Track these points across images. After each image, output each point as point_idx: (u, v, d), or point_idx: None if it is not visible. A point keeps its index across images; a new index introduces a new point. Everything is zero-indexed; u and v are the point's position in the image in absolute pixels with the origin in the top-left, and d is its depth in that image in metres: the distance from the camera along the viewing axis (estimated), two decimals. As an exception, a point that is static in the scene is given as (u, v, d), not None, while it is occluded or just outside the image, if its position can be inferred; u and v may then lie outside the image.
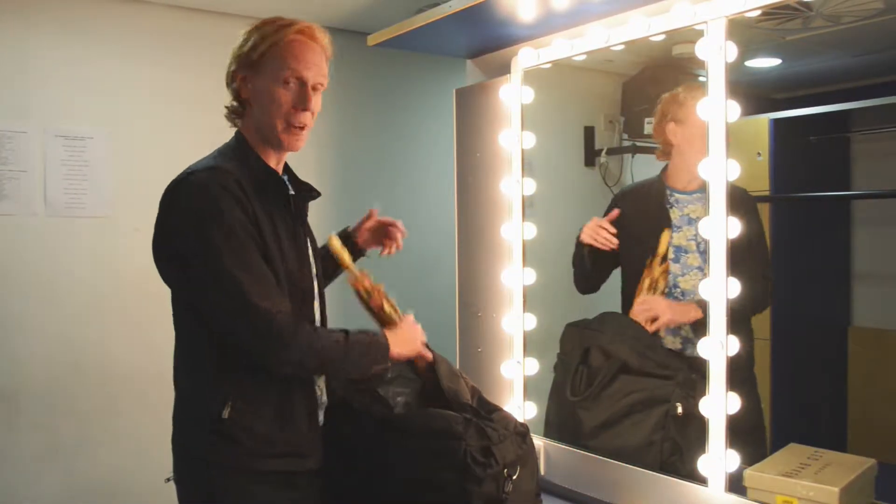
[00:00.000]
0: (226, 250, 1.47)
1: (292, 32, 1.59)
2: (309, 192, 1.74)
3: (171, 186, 1.58)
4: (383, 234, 1.98)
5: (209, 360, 1.57)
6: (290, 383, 1.60)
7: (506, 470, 1.62)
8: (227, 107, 1.68)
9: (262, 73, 1.60)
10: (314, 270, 1.71)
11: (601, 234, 2.18)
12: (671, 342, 2.11)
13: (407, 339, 1.73)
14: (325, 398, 1.73)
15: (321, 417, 1.70)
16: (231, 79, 1.64)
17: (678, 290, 2.10)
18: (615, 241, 2.16)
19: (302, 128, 1.62)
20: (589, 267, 2.24)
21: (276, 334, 1.49)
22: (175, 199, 1.56)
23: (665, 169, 2.17)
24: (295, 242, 1.63)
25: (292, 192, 1.67)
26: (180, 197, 1.55)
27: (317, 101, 1.64)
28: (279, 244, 1.58)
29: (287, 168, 1.75)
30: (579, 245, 2.26)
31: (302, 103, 1.60)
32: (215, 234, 1.48)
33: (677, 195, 2.14)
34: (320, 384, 1.71)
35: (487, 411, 1.74)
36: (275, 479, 1.59)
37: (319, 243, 1.83)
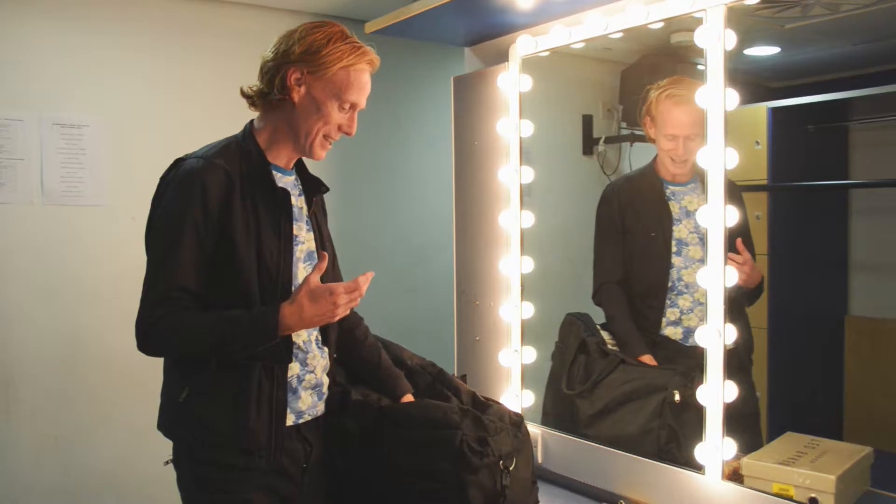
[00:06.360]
0: (165, 238, 1.53)
1: (365, 62, 1.63)
2: (318, 188, 1.75)
3: (163, 174, 1.63)
4: None
5: None
6: (249, 371, 1.55)
7: (502, 462, 1.63)
8: (255, 90, 1.63)
9: (323, 83, 1.60)
10: (296, 265, 1.66)
11: None
12: (672, 332, 2.11)
13: (307, 314, 1.51)
14: (324, 389, 1.71)
15: (302, 408, 1.65)
16: (278, 69, 1.59)
17: (682, 283, 2.10)
18: None
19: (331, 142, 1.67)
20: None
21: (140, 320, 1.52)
22: (161, 186, 1.61)
23: (655, 160, 2.16)
24: (277, 237, 1.60)
25: (282, 187, 1.63)
26: (165, 183, 1.60)
27: None
28: (258, 237, 1.56)
29: (299, 162, 1.75)
30: None
31: (348, 128, 1.66)
32: (171, 221, 1.53)
33: (672, 188, 2.13)
34: (308, 375, 1.66)
35: (482, 409, 1.74)
36: (241, 471, 1.56)
37: None
